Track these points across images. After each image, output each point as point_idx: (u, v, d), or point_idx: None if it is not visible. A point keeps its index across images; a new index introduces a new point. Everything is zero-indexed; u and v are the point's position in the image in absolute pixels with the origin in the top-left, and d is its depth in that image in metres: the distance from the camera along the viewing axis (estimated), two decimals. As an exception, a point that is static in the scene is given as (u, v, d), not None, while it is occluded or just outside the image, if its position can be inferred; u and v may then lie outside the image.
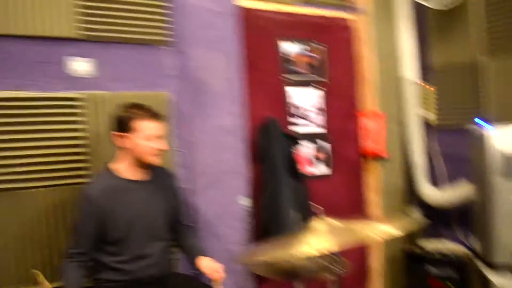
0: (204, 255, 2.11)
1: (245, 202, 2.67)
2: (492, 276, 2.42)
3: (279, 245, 1.72)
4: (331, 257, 1.61)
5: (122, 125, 1.98)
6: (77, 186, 2.21)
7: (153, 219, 2.08)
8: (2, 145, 2.07)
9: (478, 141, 2.49)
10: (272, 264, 1.74)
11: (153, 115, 2.01)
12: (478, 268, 2.55)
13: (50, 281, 2.16)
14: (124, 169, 2.04)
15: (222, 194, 2.61)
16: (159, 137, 2.02)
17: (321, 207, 1.98)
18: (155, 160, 2.03)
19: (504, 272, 2.40)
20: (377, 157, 3.17)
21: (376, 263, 3.21)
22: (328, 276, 1.65)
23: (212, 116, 2.58)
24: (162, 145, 2.03)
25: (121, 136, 1.98)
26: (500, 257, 2.41)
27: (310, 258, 1.62)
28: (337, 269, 1.57)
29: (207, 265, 2.04)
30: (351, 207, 3.17)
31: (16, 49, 2.11)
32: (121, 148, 2.02)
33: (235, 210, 2.64)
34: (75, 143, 2.23)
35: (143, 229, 2.03)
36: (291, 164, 2.72)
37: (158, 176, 2.13)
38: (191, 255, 2.16)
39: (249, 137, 2.72)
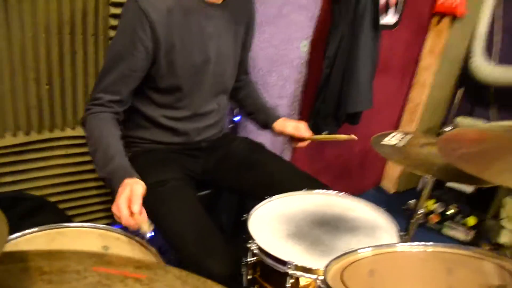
0: (279, 116, 1.59)
1: (305, 47, 2.05)
2: None
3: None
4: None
5: None
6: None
7: (226, 61, 1.46)
8: None
9: None
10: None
11: None
12: None
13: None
14: None
15: (279, 33, 1.95)
16: None
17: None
18: None
19: None
20: (450, 14, 2.56)
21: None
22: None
23: None
24: None
25: None
26: None
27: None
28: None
29: (291, 126, 1.53)
30: (404, 67, 2.68)
31: None
32: None
33: (292, 56, 2.04)
34: None
35: (212, 76, 1.42)
36: (375, 9, 2.05)
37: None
38: (260, 114, 1.63)
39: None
